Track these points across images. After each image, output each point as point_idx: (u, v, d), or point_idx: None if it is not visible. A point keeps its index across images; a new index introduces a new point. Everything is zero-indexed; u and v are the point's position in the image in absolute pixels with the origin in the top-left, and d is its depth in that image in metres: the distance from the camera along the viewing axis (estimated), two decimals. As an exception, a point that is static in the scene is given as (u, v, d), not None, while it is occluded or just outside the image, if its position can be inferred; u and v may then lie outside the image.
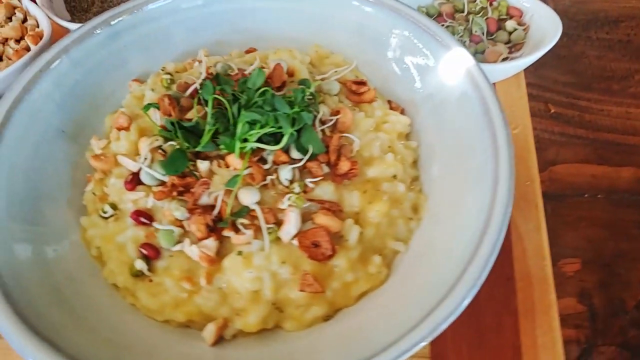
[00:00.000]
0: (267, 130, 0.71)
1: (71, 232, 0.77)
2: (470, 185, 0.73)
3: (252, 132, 0.71)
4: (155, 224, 0.73)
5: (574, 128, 1.11)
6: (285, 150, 0.74)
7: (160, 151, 0.77)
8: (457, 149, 0.78)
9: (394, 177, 0.78)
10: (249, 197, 0.71)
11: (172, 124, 0.76)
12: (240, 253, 0.69)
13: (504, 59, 1.04)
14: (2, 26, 1.00)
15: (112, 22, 0.89)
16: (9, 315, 0.60)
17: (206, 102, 0.76)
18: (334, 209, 0.73)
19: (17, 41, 0.99)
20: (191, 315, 0.69)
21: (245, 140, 0.72)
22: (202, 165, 0.74)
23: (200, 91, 0.81)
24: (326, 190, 0.74)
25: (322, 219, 0.71)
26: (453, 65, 0.82)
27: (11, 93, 0.79)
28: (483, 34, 1.08)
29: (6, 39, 0.99)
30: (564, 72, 1.02)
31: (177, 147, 0.75)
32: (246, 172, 0.72)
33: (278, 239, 0.71)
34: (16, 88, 0.79)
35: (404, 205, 0.77)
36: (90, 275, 0.74)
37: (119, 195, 0.76)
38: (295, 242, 0.70)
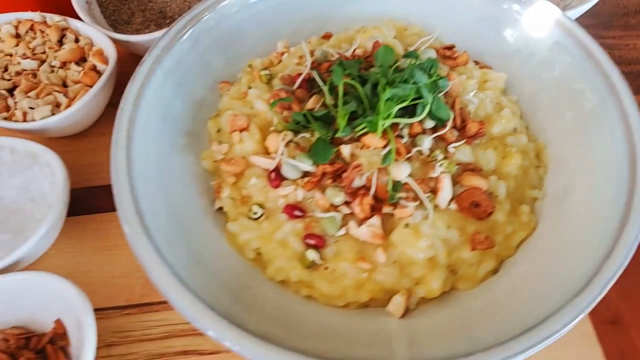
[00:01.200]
0: (406, 103, 0.73)
1: (218, 242, 0.76)
2: (592, 124, 0.78)
3: (392, 107, 0.72)
4: (314, 214, 0.73)
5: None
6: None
7: (292, 144, 0.77)
8: (563, 95, 0.83)
9: (515, 130, 0.82)
10: (401, 172, 0.73)
11: (304, 115, 0.76)
12: (407, 225, 0.71)
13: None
14: (56, 50, 0.95)
15: (191, 27, 0.87)
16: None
17: (332, 89, 0.76)
18: (477, 169, 0.76)
19: (77, 63, 0.95)
20: (374, 293, 0.71)
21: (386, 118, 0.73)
22: (345, 150, 0.75)
23: (308, 80, 0.81)
24: (465, 153, 0.77)
25: (471, 180, 0.74)
26: (539, 18, 0.87)
27: (124, 113, 0.76)
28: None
29: (64, 63, 0.94)
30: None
31: (318, 137, 0.75)
32: (387, 150, 0.74)
33: (436, 206, 0.73)
34: (127, 107, 0.77)
35: (530, 155, 0.81)
36: (253, 279, 0.73)
37: (263, 194, 0.76)
38: (453, 206, 0.73)
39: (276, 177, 0.76)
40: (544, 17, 0.86)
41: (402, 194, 0.73)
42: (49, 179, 0.81)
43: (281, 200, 0.75)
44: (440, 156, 0.75)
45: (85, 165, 0.95)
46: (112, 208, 0.88)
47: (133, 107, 0.77)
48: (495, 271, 0.74)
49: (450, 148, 0.76)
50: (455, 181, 0.75)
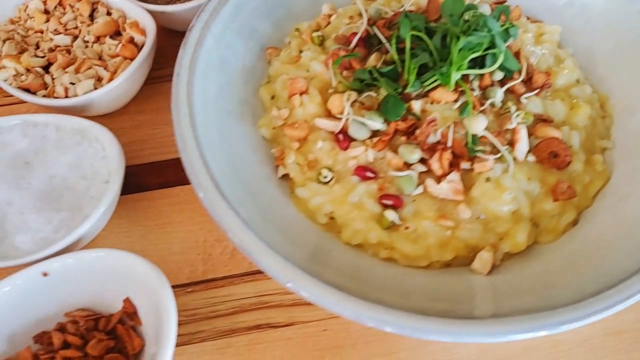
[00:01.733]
0: (480, 53, 0.70)
1: (287, 208, 0.73)
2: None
3: (466, 57, 0.70)
4: (387, 174, 0.70)
5: None
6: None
7: (357, 104, 0.74)
8: (624, 45, 0.82)
9: (577, 81, 0.81)
10: (479, 125, 0.70)
11: (370, 72, 0.73)
12: (488, 179, 0.69)
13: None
14: (89, 25, 0.91)
15: (235, -7, 0.84)
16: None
17: (397, 43, 0.74)
18: (549, 120, 0.74)
19: (112, 37, 0.90)
20: (459, 251, 0.68)
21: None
22: (416, 105, 0.72)
23: (366, 38, 0.79)
24: (536, 104, 0.75)
25: (546, 130, 0.72)
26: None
27: (182, 78, 0.73)
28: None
29: (98, 37, 0.90)
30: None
31: (387, 93, 0.72)
32: (458, 104, 0.72)
33: (514, 159, 0.71)
34: (183, 73, 0.73)
35: (596, 106, 0.80)
36: (328, 242, 0.70)
37: (332, 157, 0.73)
38: (531, 158, 0.71)
39: (344, 138, 0.73)
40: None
41: (480, 148, 0.70)
42: (100, 154, 0.77)
43: (351, 162, 0.72)
44: (514, 108, 0.73)
45: (127, 144, 0.91)
46: (160, 185, 0.87)
47: (189, 72, 0.74)
48: (574, 222, 0.72)
49: (522, 99, 0.74)
50: (529, 133, 0.73)
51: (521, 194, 0.69)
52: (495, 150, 0.70)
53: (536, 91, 0.76)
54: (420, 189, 0.70)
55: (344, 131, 0.73)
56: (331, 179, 0.72)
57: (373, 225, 0.69)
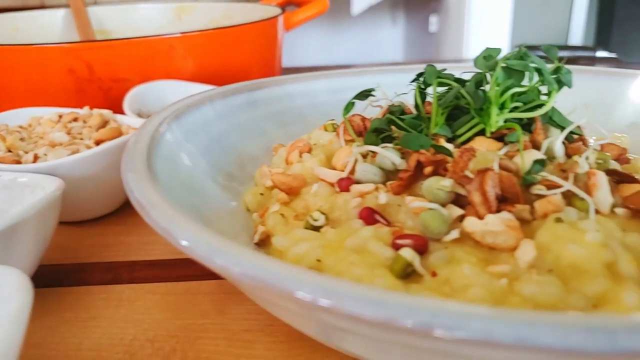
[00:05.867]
0: (525, 89, 0.56)
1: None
2: None
3: (506, 97, 0.55)
4: (407, 223, 0.48)
5: None
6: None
7: (370, 156, 0.57)
8: None
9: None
10: (535, 158, 0.50)
11: (389, 121, 0.59)
12: (559, 220, 0.45)
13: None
14: (94, 131, 0.85)
15: (252, 90, 0.78)
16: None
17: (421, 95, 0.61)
18: (635, 180, 0.53)
19: (113, 143, 0.83)
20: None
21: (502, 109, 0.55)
22: (448, 146, 0.55)
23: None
24: (612, 163, 0.55)
25: (633, 187, 0.51)
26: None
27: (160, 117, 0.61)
28: None
29: (98, 143, 0.83)
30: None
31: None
32: (503, 152, 0.54)
33: (596, 210, 0.48)
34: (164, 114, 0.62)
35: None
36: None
37: (330, 202, 0.53)
38: (619, 210, 0.48)
39: (347, 180, 0.54)
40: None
41: (539, 187, 0.49)
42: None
43: (354, 201, 0.51)
44: (583, 159, 0.53)
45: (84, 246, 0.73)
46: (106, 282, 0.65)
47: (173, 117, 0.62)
48: None
49: (593, 148, 0.55)
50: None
51: (616, 243, 0.44)
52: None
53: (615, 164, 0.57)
54: (455, 234, 0.46)
55: (348, 179, 0.55)
56: (325, 225, 0.50)
57: (381, 271, 0.43)
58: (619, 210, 0.48)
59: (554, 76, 0.58)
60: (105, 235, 0.76)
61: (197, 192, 0.55)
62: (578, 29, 4.36)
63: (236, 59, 1.16)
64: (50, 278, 0.65)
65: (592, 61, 2.15)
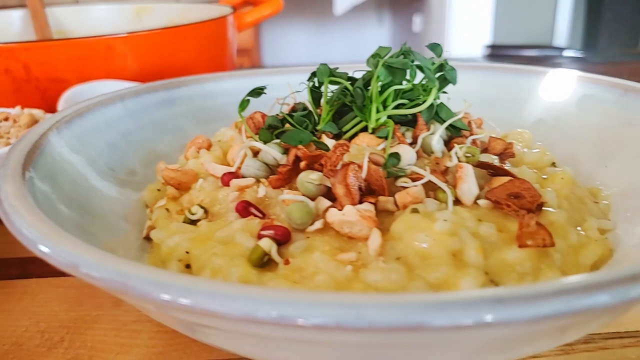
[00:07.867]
0: (405, 87, 0.58)
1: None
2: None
3: (388, 94, 0.57)
4: (282, 216, 0.50)
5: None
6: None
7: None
8: (599, 145, 0.67)
9: (553, 164, 0.63)
10: (404, 154, 0.52)
11: (282, 120, 0.61)
12: (415, 211, 0.47)
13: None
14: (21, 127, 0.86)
15: (169, 88, 0.80)
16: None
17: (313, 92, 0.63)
18: (508, 173, 0.55)
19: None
20: (365, 299, 0.41)
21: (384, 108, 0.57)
22: (328, 141, 0.56)
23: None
24: (491, 158, 0.57)
25: (503, 179, 0.53)
26: (556, 84, 0.77)
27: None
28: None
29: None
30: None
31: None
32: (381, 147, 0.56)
33: (458, 202, 0.50)
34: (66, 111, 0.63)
35: (582, 190, 0.60)
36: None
37: (212, 196, 0.54)
38: (483, 202, 0.50)
39: (230, 175, 0.55)
40: (561, 80, 0.77)
41: (406, 179, 0.51)
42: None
43: (233, 194, 0.53)
44: (453, 153, 0.55)
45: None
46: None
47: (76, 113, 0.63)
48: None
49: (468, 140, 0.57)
50: (480, 187, 0.53)
51: (466, 232, 0.45)
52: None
53: (495, 158, 0.59)
54: (318, 224, 0.48)
55: (234, 174, 0.56)
56: (202, 219, 0.52)
57: (239, 261, 0.45)
58: (482, 202, 0.50)
59: (440, 73, 0.60)
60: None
61: (84, 191, 0.56)
62: (562, 29, 4.39)
63: (180, 59, 1.17)
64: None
65: (558, 61, 2.18)
